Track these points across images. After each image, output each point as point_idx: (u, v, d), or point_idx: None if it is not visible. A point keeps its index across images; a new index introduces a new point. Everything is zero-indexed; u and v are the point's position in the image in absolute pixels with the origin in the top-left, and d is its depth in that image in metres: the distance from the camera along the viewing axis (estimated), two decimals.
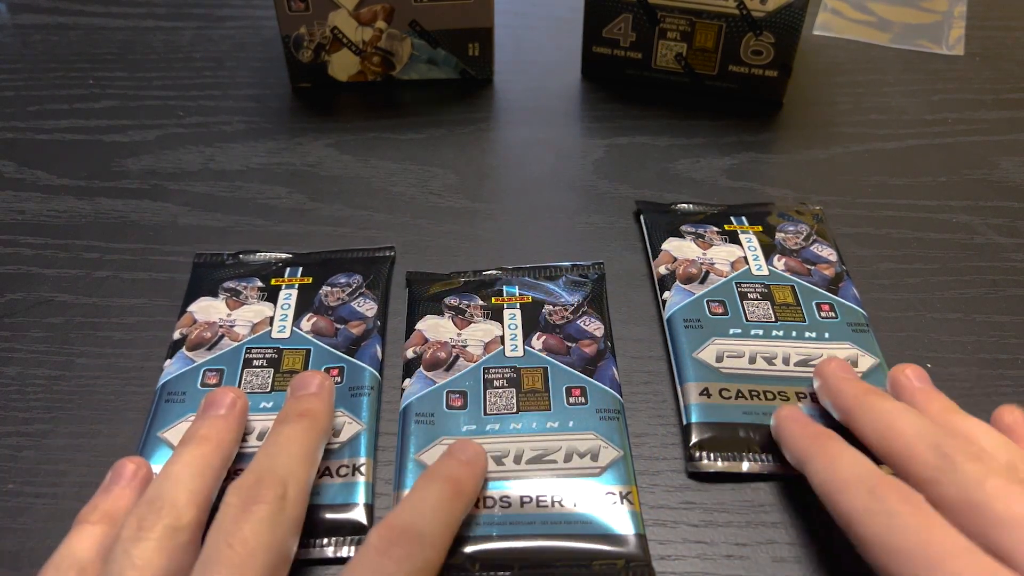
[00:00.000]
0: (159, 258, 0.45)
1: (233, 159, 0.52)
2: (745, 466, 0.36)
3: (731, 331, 0.40)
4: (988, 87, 0.58)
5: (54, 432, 0.38)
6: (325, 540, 0.33)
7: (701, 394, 0.37)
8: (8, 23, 0.64)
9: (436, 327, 0.40)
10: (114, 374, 0.40)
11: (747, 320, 0.40)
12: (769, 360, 0.39)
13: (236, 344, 0.39)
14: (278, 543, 0.28)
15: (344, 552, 0.33)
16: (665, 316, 0.41)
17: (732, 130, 0.54)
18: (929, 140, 0.54)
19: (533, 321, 0.40)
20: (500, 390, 0.38)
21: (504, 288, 0.42)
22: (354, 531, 0.33)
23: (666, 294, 0.42)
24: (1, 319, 0.42)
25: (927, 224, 0.48)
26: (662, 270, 0.43)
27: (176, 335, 0.40)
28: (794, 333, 0.40)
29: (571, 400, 0.37)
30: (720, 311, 0.41)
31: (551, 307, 0.41)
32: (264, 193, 0.49)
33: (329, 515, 0.33)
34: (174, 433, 0.36)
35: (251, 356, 0.39)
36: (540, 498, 0.34)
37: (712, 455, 0.36)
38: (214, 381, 0.38)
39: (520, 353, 0.39)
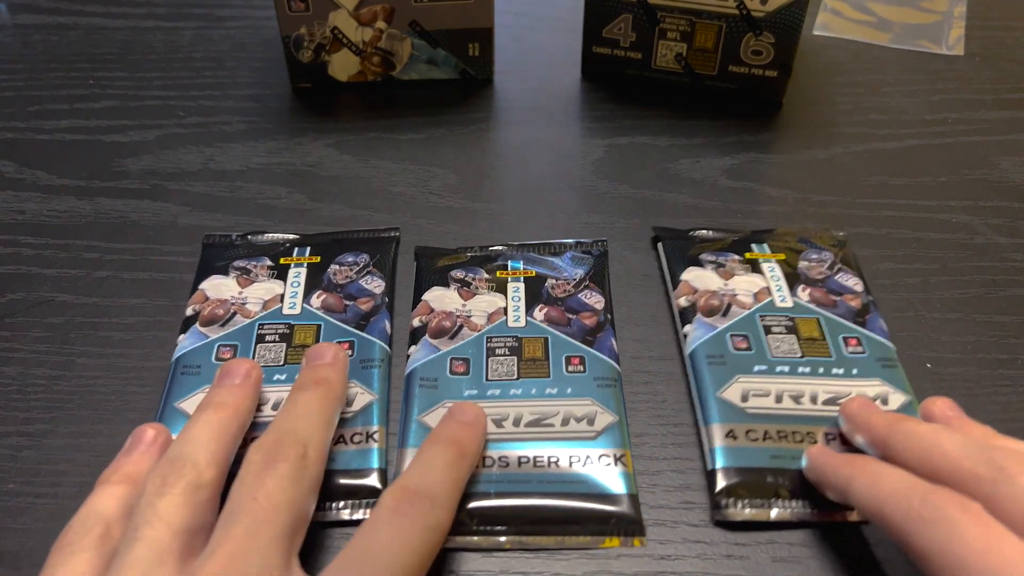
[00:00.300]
0: (159, 258, 0.45)
1: (233, 159, 0.52)
2: (774, 513, 0.34)
3: (756, 368, 0.38)
4: (988, 87, 0.58)
5: (54, 432, 0.38)
6: (341, 503, 0.34)
7: (727, 436, 0.36)
8: (8, 23, 0.64)
9: (442, 298, 0.42)
10: (114, 374, 0.40)
11: (772, 356, 0.39)
12: (796, 399, 0.37)
13: (248, 321, 0.40)
14: (300, 500, 0.29)
15: (360, 515, 0.34)
16: (686, 351, 0.40)
17: (732, 130, 0.54)
18: (929, 140, 0.54)
19: (536, 294, 0.42)
20: (502, 358, 0.39)
21: (509, 262, 0.43)
22: (369, 495, 0.35)
23: (687, 327, 0.40)
24: (1, 319, 0.42)
25: (927, 224, 0.48)
26: (682, 302, 0.42)
27: (189, 311, 0.41)
28: (821, 370, 0.38)
29: (570, 368, 0.38)
30: (744, 346, 0.39)
31: (554, 281, 0.42)
32: (264, 193, 0.49)
33: (345, 480, 0.35)
34: (191, 404, 0.37)
35: (263, 332, 0.40)
36: (537, 459, 0.35)
37: (739, 502, 0.34)
38: (228, 355, 0.39)
39: (522, 324, 0.40)
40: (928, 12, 0.65)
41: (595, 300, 0.42)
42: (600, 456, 0.35)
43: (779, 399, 0.37)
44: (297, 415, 0.32)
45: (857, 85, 0.58)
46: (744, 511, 0.34)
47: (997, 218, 0.48)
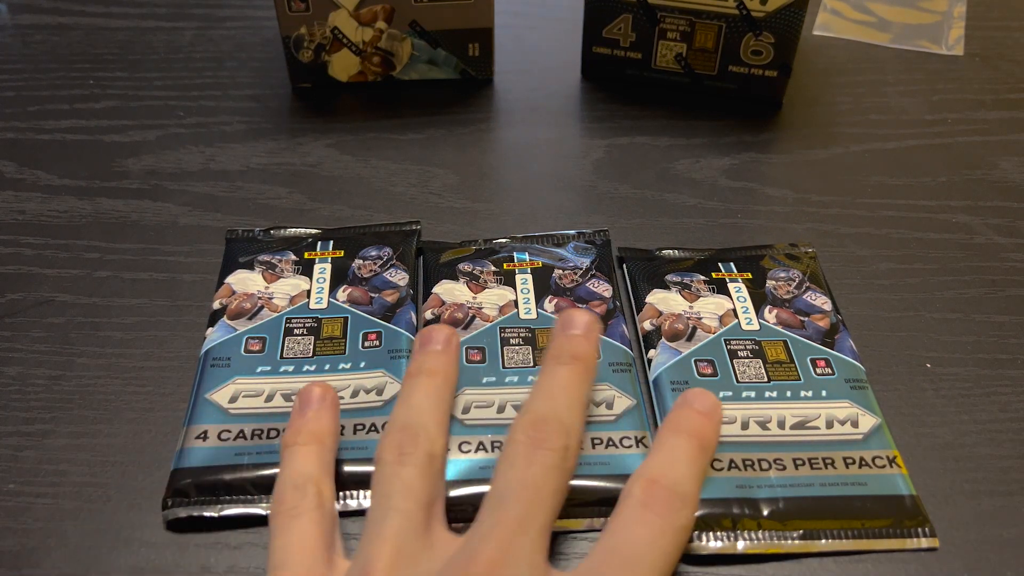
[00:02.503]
0: (159, 258, 0.45)
1: (233, 159, 0.52)
2: (741, 545, 0.33)
3: (721, 394, 0.38)
4: (988, 87, 0.58)
5: (54, 432, 0.38)
6: (358, 492, 0.35)
7: None
8: (8, 23, 0.64)
9: (452, 291, 0.42)
10: (114, 374, 0.40)
11: (738, 381, 0.38)
12: (763, 425, 0.36)
13: (276, 315, 0.41)
14: (562, 491, 0.29)
15: None
16: (651, 377, 0.39)
17: (732, 130, 0.54)
18: (929, 140, 0.54)
19: (544, 285, 0.42)
20: (517, 347, 0.39)
21: (514, 254, 0.44)
22: None
23: (651, 352, 0.40)
24: (2, 319, 0.42)
25: (927, 224, 0.48)
26: (647, 325, 0.41)
27: (216, 305, 0.42)
28: (788, 393, 0.38)
29: None
30: (709, 372, 0.39)
31: (560, 271, 0.43)
32: (264, 193, 0.49)
33: (366, 468, 0.35)
34: (222, 395, 0.37)
35: (291, 325, 0.41)
36: None
37: (704, 536, 0.33)
38: (256, 347, 0.39)
39: (534, 316, 0.41)
40: (928, 12, 0.65)
41: (603, 288, 0.42)
42: (621, 439, 0.36)
43: (745, 426, 0.36)
44: (559, 397, 0.31)
45: (857, 85, 0.58)
46: (710, 544, 0.33)
47: (997, 218, 0.48)
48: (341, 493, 0.35)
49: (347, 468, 0.35)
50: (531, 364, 0.39)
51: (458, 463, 0.35)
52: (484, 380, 0.38)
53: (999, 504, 0.35)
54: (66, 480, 0.36)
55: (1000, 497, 0.35)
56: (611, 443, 0.36)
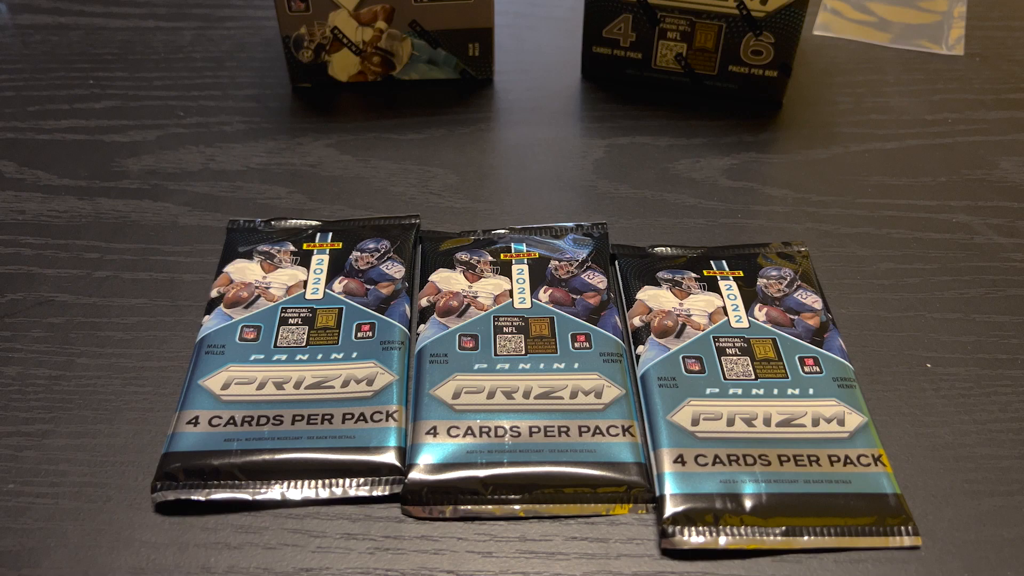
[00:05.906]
0: (159, 258, 0.45)
1: (233, 159, 0.52)
2: (723, 541, 0.33)
3: (708, 391, 0.38)
4: (988, 87, 0.58)
5: (54, 432, 0.38)
6: (361, 480, 0.35)
7: (675, 461, 0.35)
8: (8, 23, 0.64)
9: (448, 279, 0.43)
10: (114, 374, 0.40)
11: (725, 378, 0.38)
12: (748, 422, 0.36)
13: (272, 304, 0.41)
14: None
15: (378, 492, 0.35)
16: (639, 373, 0.39)
17: (732, 130, 0.54)
18: (929, 140, 0.54)
19: (540, 275, 0.43)
20: (509, 335, 0.40)
21: (512, 245, 0.44)
22: (389, 472, 0.35)
23: (640, 348, 0.40)
24: (2, 319, 0.42)
25: (927, 224, 0.48)
26: (636, 322, 0.41)
27: (214, 293, 0.42)
28: (776, 391, 0.38)
29: (576, 345, 0.39)
30: (696, 368, 0.39)
31: (557, 262, 0.43)
32: (264, 193, 0.49)
33: (365, 457, 0.35)
34: (214, 382, 0.38)
35: (286, 315, 0.41)
36: (548, 428, 0.36)
37: (687, 530, 0.33)
38: (251, 336, 0.40)
39: (528, 305, 0.41)
40: (928, 12, 0.65)
41: (598, 280, 0.42)
42: (608, 427, 0.36)
43: (731, 422, 0.37)
44: None
45: (857, 85, 0.58)
46: (692, 539, 0.33)
47: (997, 218, 0.48)
48: (340, 480, 0.35)
49: (335, 456, 0.35)
50: (523, 352, 0.39)
51: (447, 447, 0.35)
52: (476, 367, 0.38)
53: (999, 504, 0.35)
54: (66, 480, 0.36)
55: (1000, 497, 0.35)
56: (598, 431, 0.36)
